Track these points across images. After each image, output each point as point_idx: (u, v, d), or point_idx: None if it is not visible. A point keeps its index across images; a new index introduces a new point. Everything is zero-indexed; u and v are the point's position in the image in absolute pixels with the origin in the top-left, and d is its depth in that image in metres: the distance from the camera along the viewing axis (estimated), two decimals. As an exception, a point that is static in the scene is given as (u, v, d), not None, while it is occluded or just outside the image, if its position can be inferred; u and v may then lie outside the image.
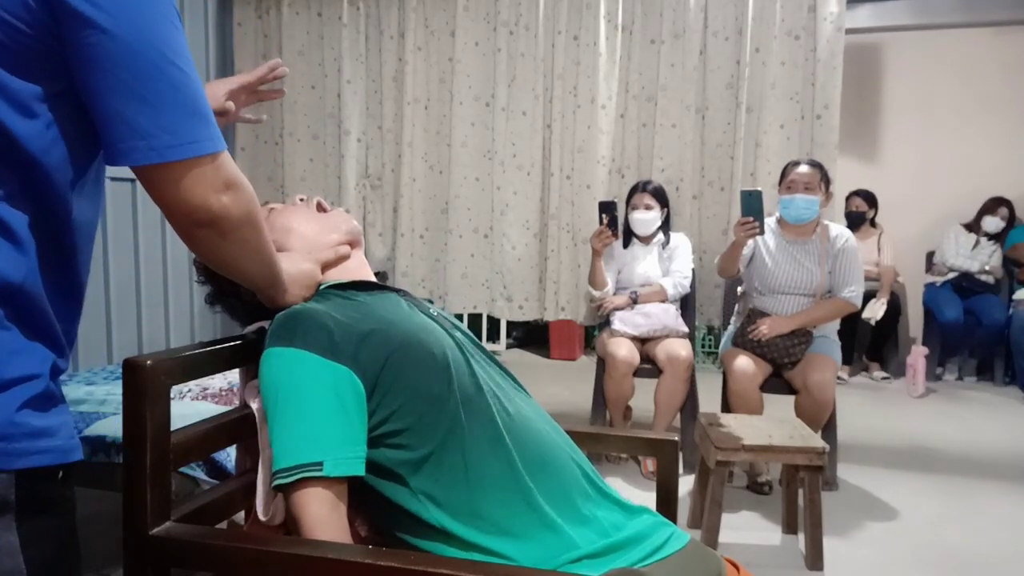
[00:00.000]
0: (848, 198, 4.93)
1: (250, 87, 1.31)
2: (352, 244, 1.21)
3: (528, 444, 1.00)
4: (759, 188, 2.81)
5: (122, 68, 0.72)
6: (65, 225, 0.79)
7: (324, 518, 0.90)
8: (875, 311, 4.48)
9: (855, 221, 4.81)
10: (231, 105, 1.26)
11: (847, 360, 4.49)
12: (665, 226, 3.15)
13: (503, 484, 0.96)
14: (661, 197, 3.13)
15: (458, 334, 1.11)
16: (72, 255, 0.81)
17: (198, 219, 0.81)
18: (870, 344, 4.88)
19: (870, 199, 4.91)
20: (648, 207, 3.09)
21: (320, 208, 1.23)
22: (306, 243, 1.16)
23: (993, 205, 4.77)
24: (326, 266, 1.15)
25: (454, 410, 0.97)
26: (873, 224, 4.91)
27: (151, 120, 0.74)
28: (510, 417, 1.02)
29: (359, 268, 1.20)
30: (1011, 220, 4.77)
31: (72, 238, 0.81)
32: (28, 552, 0.74)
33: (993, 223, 4.74)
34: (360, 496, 0.98)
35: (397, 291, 1.16)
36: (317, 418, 0.92)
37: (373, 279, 1.19)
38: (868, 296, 4.28)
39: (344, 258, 1.18)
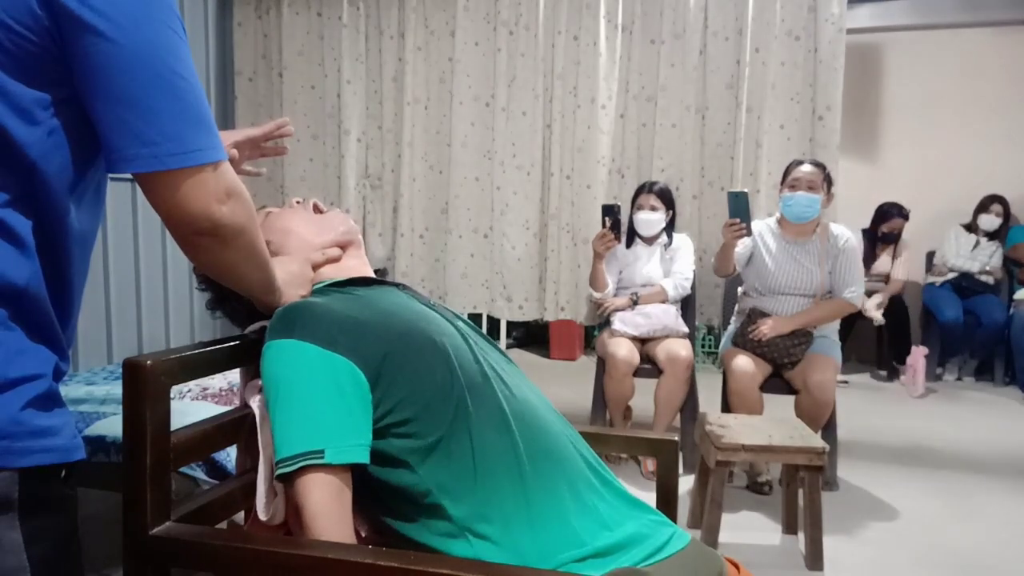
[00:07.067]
0: (886, 215, 4.71)
1: (255, 141, 1.32)
2: (348, 244, 1.21)
3: (533, 431, 1.01)
4: (745, 189, 2.84)
5: (125, 76, 0.73)
6: (61, 232, 0.79)
7: (326, 506, 0.90)
8: (874, 313, 4.46)
9: (888, 240, 4.72)
10: (235, 153, 1.27)
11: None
12: (669, 228, 3.14)
13: (508, 471, 0.96)
14: (667, 199, 3.12)
15: (460, 323, 1.11)
16: (67, 264, 0.81)
17: (200, 227, 0.81)
18: (885, 350, 4.84)
19: (904, 214, 4.69)
20: (653, 208, 3.08)
21: (317, 209, 1.24)
22: (304, 244, 1.17)
23: (987, 202, 4.76)
24: (318, 265, 1.16)
25: (460, 396, 0.97)
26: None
27: (155, 128, 0.74)
28: (517, 403, 1.02)
29: (359, 267, 1.21)
30: (1007, 217, 4.76)
31: (68, 246, 0.80)
32: (31, 549, 0.75)
33: (988, 220, 4.73)
34: (363, 492, 0.98)
35: (396, 285, 1.17)
36: (318, 407, 0.92)
37: (373, 277, 1.20)
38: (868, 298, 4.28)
39: (333, 260, 1.18)
